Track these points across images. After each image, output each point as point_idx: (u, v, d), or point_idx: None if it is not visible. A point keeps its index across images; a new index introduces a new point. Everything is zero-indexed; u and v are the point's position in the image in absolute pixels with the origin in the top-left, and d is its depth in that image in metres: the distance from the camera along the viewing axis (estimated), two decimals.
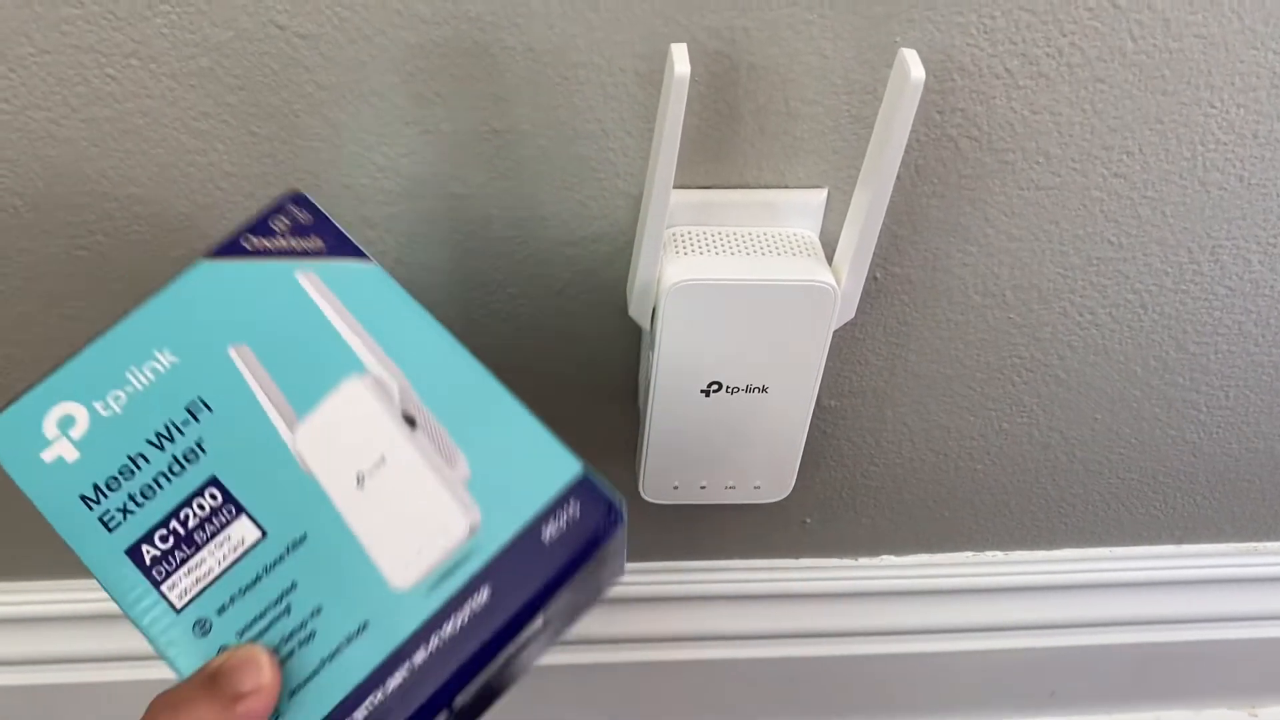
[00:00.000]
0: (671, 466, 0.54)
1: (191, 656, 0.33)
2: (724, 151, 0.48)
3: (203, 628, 0.33)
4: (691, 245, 0.48)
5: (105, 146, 0.46)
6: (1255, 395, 0.62)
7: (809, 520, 0.67)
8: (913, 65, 0.40)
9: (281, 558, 0.34)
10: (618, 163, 0.48)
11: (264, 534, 0.34)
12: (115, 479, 0.34)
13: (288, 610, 0.33)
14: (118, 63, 0.43)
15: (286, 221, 0.37)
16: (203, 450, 0.34)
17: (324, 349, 0.35)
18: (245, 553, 0.34)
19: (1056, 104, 0.48)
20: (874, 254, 0.51)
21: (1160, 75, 0.47)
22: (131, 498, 0.34)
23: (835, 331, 0.50)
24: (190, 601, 0.34)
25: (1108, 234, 0.53)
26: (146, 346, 0.35)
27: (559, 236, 0.50)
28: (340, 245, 0.37)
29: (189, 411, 0.35)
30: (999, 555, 0.71)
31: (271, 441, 0.34)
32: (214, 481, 0.34)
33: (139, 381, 0.35)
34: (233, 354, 0.35)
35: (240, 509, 0.34)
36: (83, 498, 0.34)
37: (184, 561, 0.34)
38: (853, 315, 0.50)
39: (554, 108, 0.46)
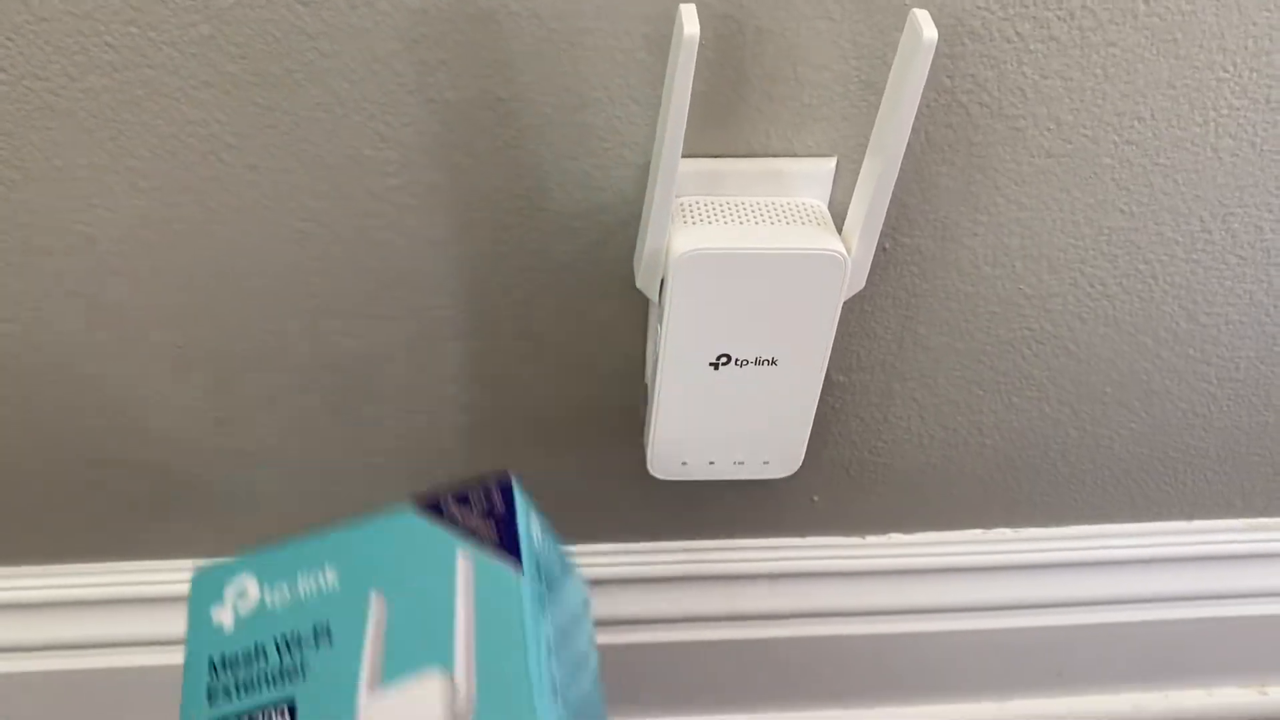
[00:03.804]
0: (680, 441, 0.53)
1: None
2: (732, 119, 0.47)
3: None
4: (699, 215, 0.48)
5: (104, 118, 0.45)
6: (1266, 367, 0.61)
7: (817, 498, 0.67)
8: (925, 25, 0.40)
9: None
10: (624, 131, 0.47)
11: None
12: (237, 659, 0.37)
13: None
14: (116, 30, 0.43)
15: (484, 503, 0.39)
16: (303, 675, 0.36)
17: (435, 630, 0.36)
18: None
19: (1068, 69, 0.47)
20: (883, 223, 0.51)
21: (1173, 38, 0.47)
22: (236, 684, 0.37)
23: (844, 303, 0.49)
24: None
25: (1119, 202, 0.52)
26: (326, 561, 0.38)
27: (565, 207, 0.50)
28: (508, 547, 0.38)
29: (315, 632, 0.37)
30: (1008, 533, 0.71)
31: (349, 691, 0.36)
32: (290, 704, 0.36)
33: (305, 586, 0.38)
34: (372, 597, 0.37)
35: None
36: (211, 662, 0.37)
37: None
38: (863, 285, 0.50)
39: (560, 75, 0.45)
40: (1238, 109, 0.49)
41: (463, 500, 0.39)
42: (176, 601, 0.66)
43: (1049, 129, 0.49)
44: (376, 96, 0.45)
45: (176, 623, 0.66)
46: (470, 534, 0.38)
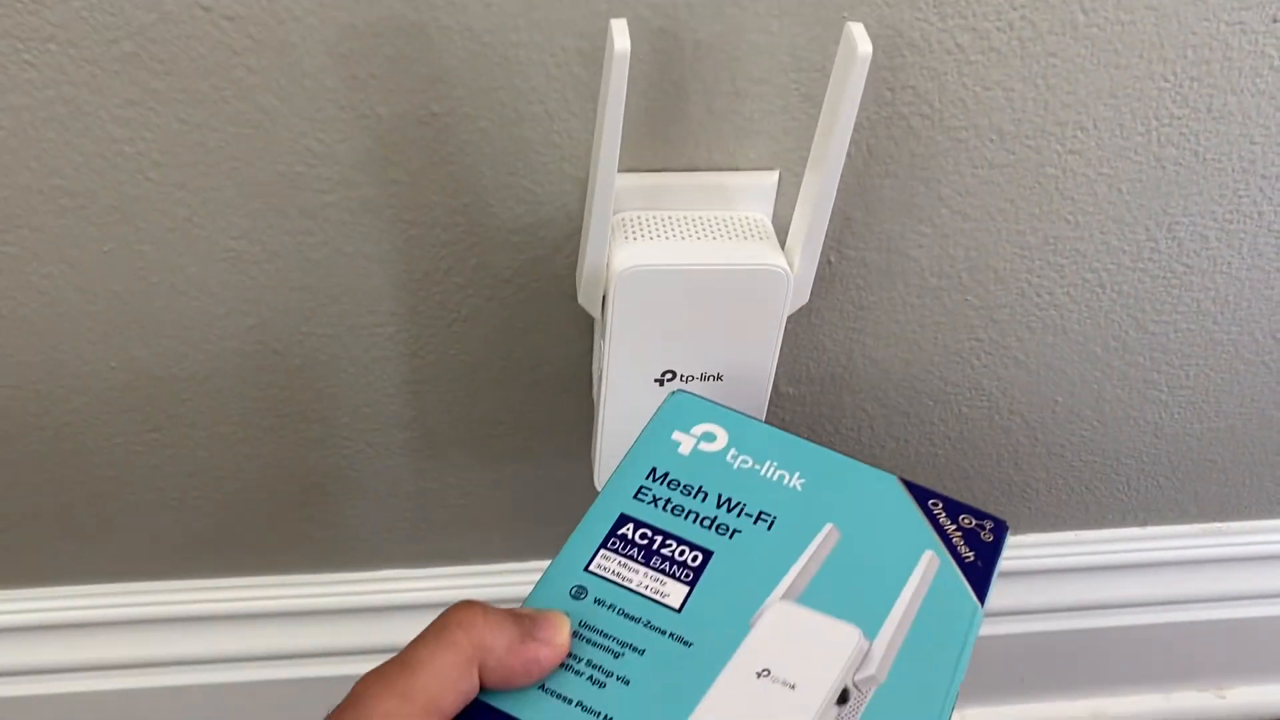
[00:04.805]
0: None
1: (545, 592, 0.36)
2: (672, 133, 0.47)
3: (578, 594, 0.36)
4: (641, 230, 0.47)
5: (25, 136, 0.44)
6: (1215, 374, 0.61)
7: None
8: (860, 40, 0.39)
9: (657, 632, 0.35)
10: (563, 145, 0.47)
11: (678, 609, 0.36)
12: (678, 482, 0.39)
13: (619, 659, 0.35)
14: (35, 48, 0.42)
15: (975, 525, 0.39)
16: (730, 537, 0.38)
17: (872, 597, 0.36)
18: (652, 601, 0.36)
19: (1009, 79, 0.47)
20: (827, 237, 0.50)
21: (1113, 49, 0.46)
22: (667, 502, 0.39)
23: (791, 317, 0.49)
24: (596, 573, 0.37)
25: (1064, 212, 0.52)
26: (800, 468, 0.40)
27: (505, 223, 0.49)
28: (979, 577, 0.37)
29: (761, 513, 0.39)
30: None
31: (764, 582, 0.37)
32: (707, 554, 0.37)
33: (769, 472, 0.40)
34: (827, 527, 0.38)
35: (690, 584, 0.36)
36: (653, 469, 0.40)
37: (629, 558, 0.37)
38: (806, 300, 0.49)
39: (495, 89, 0.45)
40: (1179, 118, 0.49)
41: (954, 510, 0.39)
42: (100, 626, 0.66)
43: (991, 140, 0.49)
44: (307, 112, 0.44)
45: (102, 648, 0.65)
46: (945, 540, 0.38)
